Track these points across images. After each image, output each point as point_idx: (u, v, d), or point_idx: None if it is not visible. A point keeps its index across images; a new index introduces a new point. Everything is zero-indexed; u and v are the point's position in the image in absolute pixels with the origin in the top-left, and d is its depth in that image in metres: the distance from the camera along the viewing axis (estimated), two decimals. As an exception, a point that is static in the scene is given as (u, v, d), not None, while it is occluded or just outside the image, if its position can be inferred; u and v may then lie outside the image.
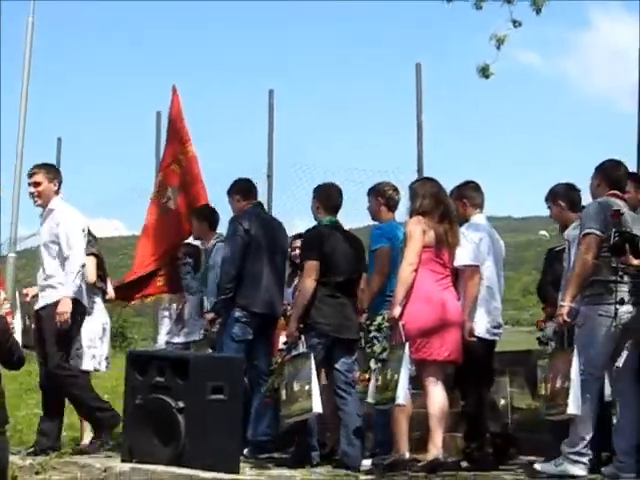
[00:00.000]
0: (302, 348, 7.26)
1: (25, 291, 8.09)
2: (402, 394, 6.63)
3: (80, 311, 7.47)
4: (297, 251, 8.59)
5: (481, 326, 7.20)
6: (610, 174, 6.73)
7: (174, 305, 8.88)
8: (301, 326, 7.41)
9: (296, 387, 7.07)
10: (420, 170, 11.27)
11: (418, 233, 6.91)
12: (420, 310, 6.86)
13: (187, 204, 9.08)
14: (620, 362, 6.25)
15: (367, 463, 7.19)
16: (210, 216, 8.76)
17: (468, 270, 7.16)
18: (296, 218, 11.64)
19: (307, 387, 6.97)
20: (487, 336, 7.27)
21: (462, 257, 7.14)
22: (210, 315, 8.02)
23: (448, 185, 7.53)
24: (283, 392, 7.18)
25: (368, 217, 8.16)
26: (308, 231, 7.81)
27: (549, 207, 7.35)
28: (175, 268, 8.86)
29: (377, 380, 6.89)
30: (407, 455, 6.75)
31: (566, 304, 6.42)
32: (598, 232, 6.35)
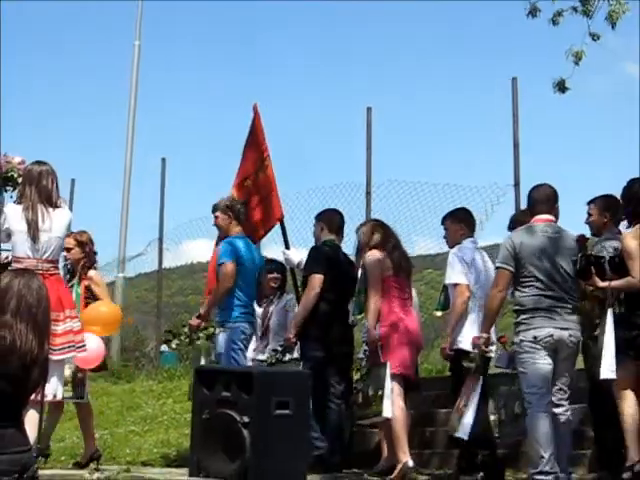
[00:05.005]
0: (296, 354, 7.78)
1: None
2: (388, 408, 7.26)
3: None
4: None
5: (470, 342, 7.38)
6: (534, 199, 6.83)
7: (259, 322, 8.85)
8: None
9: None
10: (517, 184, 11.06)
11: (376, 266, 7.58)
12: (385, 331, 7.48)
13: (261, 216, 9.12)
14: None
15: None
16: None
17: (456, 288, 7.47)
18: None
19: None
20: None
21: (451, 275, 7.53)
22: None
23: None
24: None
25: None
26: (314, 248, 8.24)
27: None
28: None
29: (359, 399, 7.59)
30: (411, 463, 7.25)
31: (479, 335, 6.82)
32: (505, 266, 6.53)
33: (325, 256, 8.03)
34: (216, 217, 8.34)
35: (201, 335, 7.90)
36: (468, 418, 6.82)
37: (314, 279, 7.85)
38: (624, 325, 6.42)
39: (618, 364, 6.37)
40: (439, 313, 8.01)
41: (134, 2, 16.52)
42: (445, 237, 7.96)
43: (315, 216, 8.50)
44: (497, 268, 6.63)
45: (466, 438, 6.81)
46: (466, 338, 7.36)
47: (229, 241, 8.10)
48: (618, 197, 7.01)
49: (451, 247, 7.73)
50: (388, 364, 7.37)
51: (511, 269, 6.51)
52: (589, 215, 7.12)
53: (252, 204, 9.14)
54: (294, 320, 7.95)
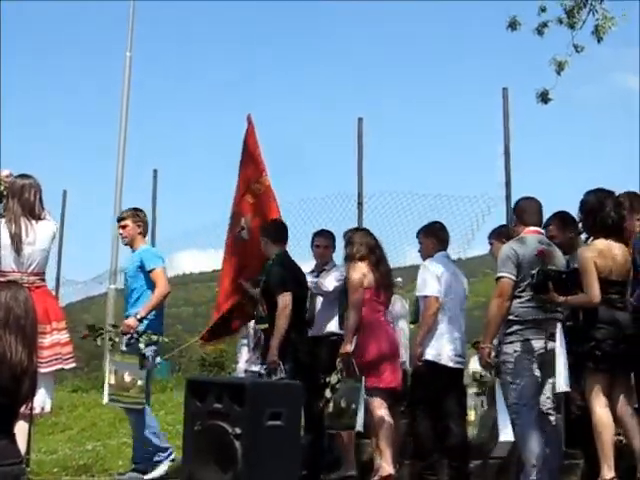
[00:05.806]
0: (281, 374, 7.68)
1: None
2: (360, 422, 7.43)
3: None
4: None
5: (445, 354, 7.56)
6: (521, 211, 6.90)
7: (252, 333, 8.85)
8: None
9: None
10: (509, 196, 11.02)
11: (358, 278, 7.68)
12: (370, 343, 7.58)
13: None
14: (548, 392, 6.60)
15: None
16: None
17: (427, 300, 7.60)
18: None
19: None
20: (450, 364, 7.59)
21: (423, 288, 7.67)
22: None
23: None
24: None
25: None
26: (276, 266, 8.10)
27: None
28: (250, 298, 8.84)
29: (328, 407, 7.62)
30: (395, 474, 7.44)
31: (485, 346, 6.63)
32: (510, 276, 6.54)
33: (288, 274, 8.01)
34: (125, 226, 8.34)
35: (141, 339, 7.93)
36: (504, 420, 6.72)
37: (286, 299, 7.80)
38: (582, 338, 6.38)
39: (580, 377, 6.42)
40: (411, 325, 8.11)
41: (128, 2, 16.42)
42: (419, 250, 8.08)
43: (260, 230, 8.48)
44: (500, 278, 6.58)
45: (513, 439, 6.70)
46: (435, 350, 7.51)
47: (148, 248, 8.36)
48: (570, 213, 7.07)
49: (424, 260, 7.86)
50: (363, 378, 7.45)
51: (515, 278, 6.53)
52: (552, 237, 7.08)
53: (254, 223, 9.12)
54: (273, 343, 7.74)
